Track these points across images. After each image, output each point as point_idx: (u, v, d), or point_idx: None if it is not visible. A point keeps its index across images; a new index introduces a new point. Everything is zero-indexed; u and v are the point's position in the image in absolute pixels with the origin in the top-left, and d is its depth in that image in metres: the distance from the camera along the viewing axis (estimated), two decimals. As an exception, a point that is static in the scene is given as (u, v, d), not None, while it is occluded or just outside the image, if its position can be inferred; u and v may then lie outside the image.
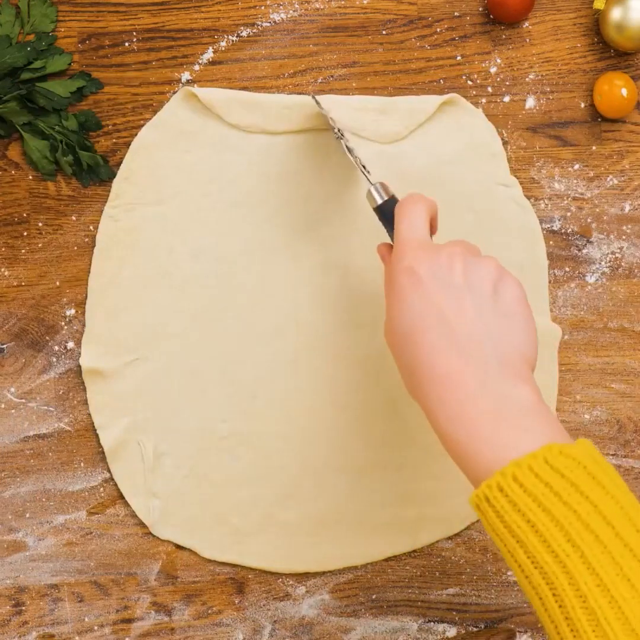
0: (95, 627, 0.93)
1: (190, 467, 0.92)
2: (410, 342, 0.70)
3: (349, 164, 0.92)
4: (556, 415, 0.68)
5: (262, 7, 0.93)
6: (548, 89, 0.94)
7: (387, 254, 0.80)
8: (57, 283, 0.93)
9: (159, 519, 0.92)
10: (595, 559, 0.59)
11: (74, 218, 0.93)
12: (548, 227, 0.94)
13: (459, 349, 0.69)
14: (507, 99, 0.93)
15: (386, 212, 0.81)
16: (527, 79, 0.93)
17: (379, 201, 0.81)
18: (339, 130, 0.87)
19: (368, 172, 0.85)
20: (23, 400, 0.93)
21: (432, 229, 0.79)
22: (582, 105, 0.94)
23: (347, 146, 0.86)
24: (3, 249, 0.93)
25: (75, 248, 0.93)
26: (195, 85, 0.93)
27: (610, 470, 0.63)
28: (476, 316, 0.70)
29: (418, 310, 0.70)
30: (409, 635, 0.93)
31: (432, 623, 0.93)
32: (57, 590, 0.93)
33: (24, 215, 0.93)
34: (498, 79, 0.93)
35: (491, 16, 0.93)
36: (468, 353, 0.68)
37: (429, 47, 0.93)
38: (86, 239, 0.93)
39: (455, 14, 0.94)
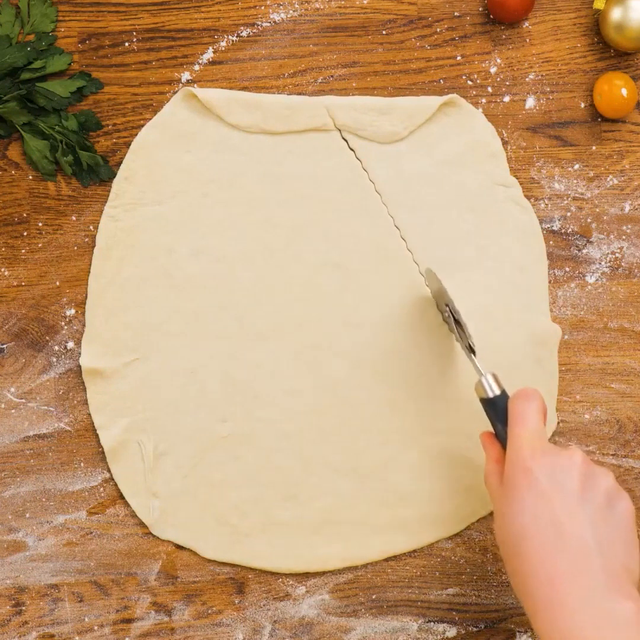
0: (95, 627, 0.93)
1: (190, 467, 0.92)
2: (521, 543, 0.72)
3: (350, 163, 0.92)
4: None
5: (262, 7, 0.93)
6: (548, 89, 0.94)
7: (490, 445, 0.81)
8: (57, 283, 0.93)
9: (159, 519, 0.92)
10: None
11: (74, 218, 0.93)
12: (548, 227, 0.94)
13: (568, 556, 0.70)
14: (507, 99, 0.93)
15: (496, 406, 0.81)
16: (527, 79, 0.93)
17: (491, 395, 0.81)
18: (449, 311, 0.87)
19: (476, 356, 0.85)
20: (23, 400, 0.93)
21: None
22: (582, 105, 0.94)
23: (459, 330, 0.87)
24: (3, 249, 0.93)
25: (75, 248, 0.93)
26: (195, 86, 0.93)
27: None
28: (588, 525, 0.71)
29: (532, 511, 0.72)
30: (409, 635, 0.93)
31: (432, 623, 0.93)
32: (57, 590, 0.93)
33: (24, 215, 0.93)
34: (498, 79, 0.93)
35: (491, 16, 0.93)
36: (576, 562, 0.70)
37: (429, 47, 0.93)
38: (86, 239, 0.93)
39: (455, 14, 0.94)
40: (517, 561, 0.72)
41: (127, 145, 0.93)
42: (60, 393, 0.93)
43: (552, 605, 0.69)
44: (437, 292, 0.89)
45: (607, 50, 0.94)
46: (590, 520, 0.72)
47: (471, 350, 0.85)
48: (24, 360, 0.93)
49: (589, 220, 0.94)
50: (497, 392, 0.82)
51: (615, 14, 0.90)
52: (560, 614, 0.69)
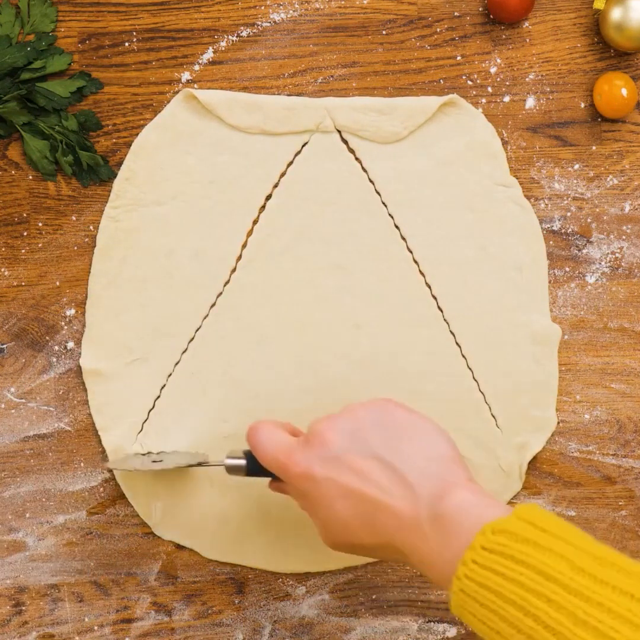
0: (95, 627, 0.93)
1: (192, 468, 0.92)
2: (347, 532, 0.74)
3: (350, 164, 0.92)
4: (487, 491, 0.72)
5: (262, 7, 0.93)
6: (548, 89, 0.94)
7: (281, 489, 0.81)
8: (57, 283, 0.93)
9: (161, 519, 0.92)
10: (549, 618, 0.60)
11: (74, 218, 0.93)
12: (548, 227, 0.94)
13: (377, 505, 0.71)
14: (507, 99, 0.93)
15: (250, 465, 0.81)
16: (527, 79, 0.93)
17: (244, 465, 0.81)
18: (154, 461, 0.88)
19: (209, 463, 0.86)
20: (23, 400, 0.93)
21: (297, 433, 0.81)
22: (582, 105, 0.94)
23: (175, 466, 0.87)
24: (3, 249, 0.93)
25: (75, 248, 0.93)
26: (195, 86, 0.93)
27: (552, 524, 0.64)
28: (373, 464, 0.72)
29: (333, 501, 0.73)
30: (409, 635, 0.93)
31: (432, 623, 0.93)
32: (57, 590, 0.93)
33: (24, 215, 0.93)
34: (498, 79, 0.93)
35: (491, 16, 0.93)
36: (387, 503, 0.71)
37: (429, 47, 0.93)
38: (86, 239, 0.93)
39: (455, 14, 0.93)
40: (360, 545, 0.74)
41: (127, 145, 0.93)
42: (60, 393, 0.93)
43: (408, 544, 0.70)
44: (136, 464, 0.88)
45: (607, 50, 0.94)
46: (371, 457, 0.72)
47: (200, 465, 0.86)
48: (24, 360, 0.93)
49: (589, 220, 0.94)
50: (243, 461, 0.81)
51: (615, 14, 0.90)
52: (412, 544, 0.70)
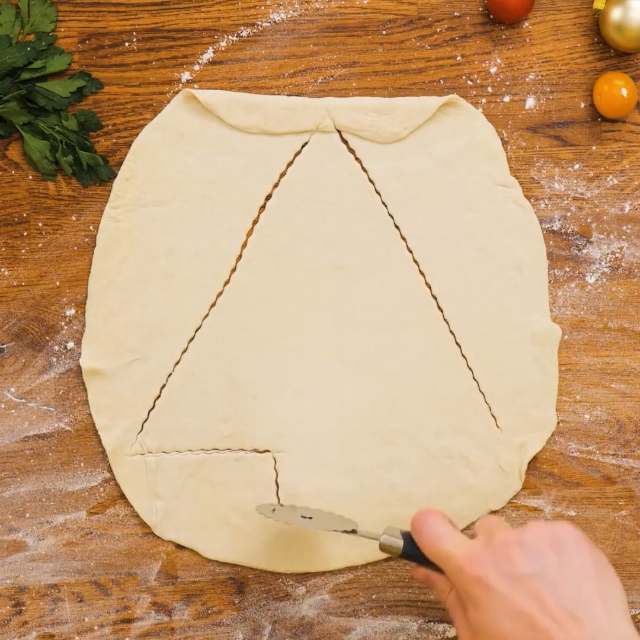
0: (95, 627, 0.93)
1: (192, 468, 0.92)
2: None
3: (350, 164, 0.92)
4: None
5: (262, 7, 0.93)
6: (548, 89, 0.94)
7: (432, 580, 0.79)
8: (57, 283, 0.93)
9: (162, 520, 0.92)
10: None
11: (74, 218, 0.93)
12: (548, 227, 0.94)
13: (545, 638, 0.69)
14: (507, 99, 0.93)
15: (410, 551, 0.78)
16: (527, 79, 0.93)
17: (400, 549, 0.79)
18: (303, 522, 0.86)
19: (358, 533, 0.84)
20: (23, 400, 0.93)
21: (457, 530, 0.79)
22: (582, 105, 0.94)
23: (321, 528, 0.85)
24: (3, 249, 0.93)
25: (75, 248, 0.93)
26: (195, 86, 0.93)
27: None
28: (553, 596, 0.70)
29: (501, 616, 0.70)
30: (409, 635, 0.93)
31: (432, 623, 0.93)
32: (57, 590, 0.93)
33: (24, 215, 0.93)
34: (498, 79, 0.93)
35: (491, 16, 0.93)
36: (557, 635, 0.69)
37: (429, 47, 0.93)
38: (86, 239, 0.93)
39: (455, 14, 0.93)
40: None
41: (127, 145, 0.93)
42: (60, 393, 0.93)
43: None
44: (286, 517, 0.87)
45: (607, 50, 0.94)
46: (551, 586, 0.70)
47: (353, 532, 0.84)
48: (24, 360, 0.93)
49: (589, 220, 0.94)
50: (400, 541, 0.79)
51: (615, 14, 0.90)
52: None
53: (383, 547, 0.80)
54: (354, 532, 0.84)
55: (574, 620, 0.69)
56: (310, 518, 0.86)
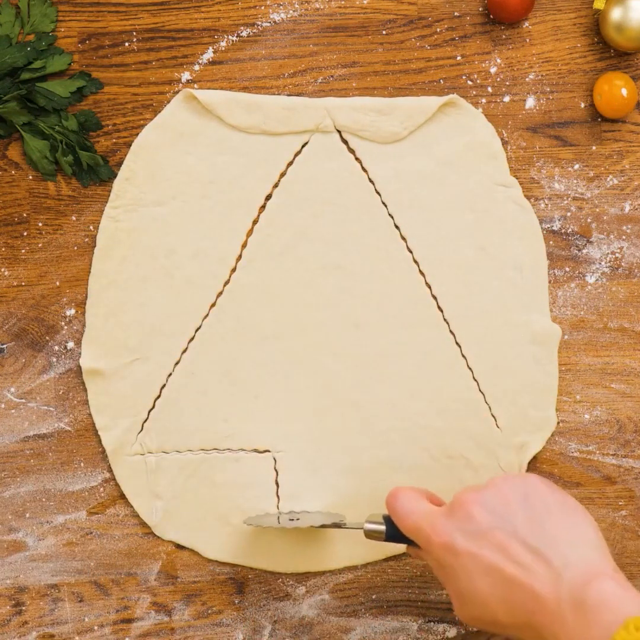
0: (95, 627, 0.93)
1: (192, 468, 0.92)
2: (484, 608, 0.72)
3: (350, 164, 0.92)
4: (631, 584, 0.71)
5: (262, 7, 0.93)
6: (548, 89, 0.94)
7: (420, 556, 0.81)
8: (57, 283, 0.93)
9: (162, 519, 0.92)
10: None
11: (74, 218, 0.93)
12: (548, 227, 0.94)
13: (517, 585, 0.70)
14: (507, 99, 0.93)
15: (391, 531, 0.80)
16: (527, 79, 0.93)
17: (384, 532, 0.81)
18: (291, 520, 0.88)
19: (346, 525, 0.85)
20: (23, 400, 0.93)
21: (438, 502, 0.81)
22: (582, 105, 0.94)
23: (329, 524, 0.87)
24: (3, 249, 0.93)
25: (75, 248, 0.93)
26: (195, 86, 0.93)
27: None
28: (516, 543, 0.71)
29: (474, 576, 0.72)
30: (409, 635, 0.93)
31: (432, 623, 0.93)
32: (57, 590, 0.93)
33: (24, 215, 0.93)
34: (498, 79, 0.93)
35: (491, 16, 0.93)
36: (528, 584, 0.70)
37: (429, 47, 0.93)
38: (86, 239, 0.93)
39: (455, 14, 0.93)
40: (496, 620, 0.73)
41: (127, 145, 0.93)
42: (60, 393, 0.93)
43: (546, 626, 0.69)
44: (274, 522, 0.88)
45: (607, 50, 0.94)
46: (516, 538, 0.71)
47: (341, 525, 0.86)
48: (24, 360, 0.93)
49: (589, 220, 0.94)
50: (383, 526, 0.81)
51: (615, 14, 0.90)
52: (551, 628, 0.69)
53: (368, 534, 0.82)
54: (341, 525, 0.86)
55: (540, 559, 0.70)
56: (297, 519, 0.88)
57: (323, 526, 0.86)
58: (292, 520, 0.88)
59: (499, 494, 0.74)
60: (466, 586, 0.73)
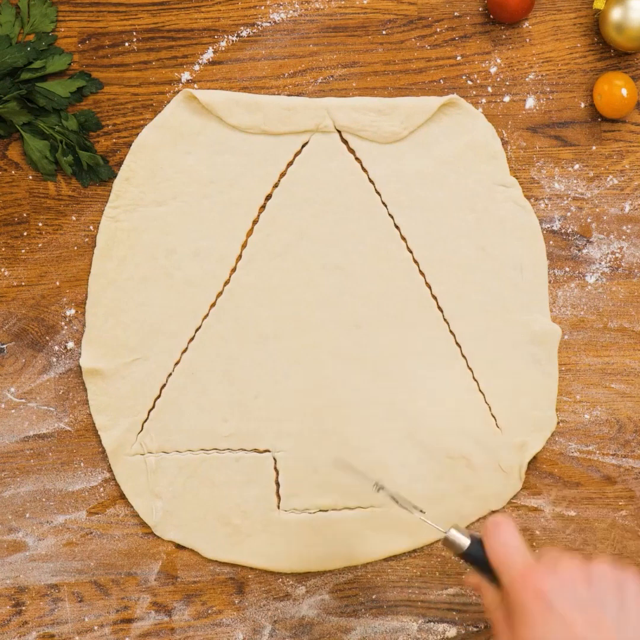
0: (95, 627, 0.93)
1: (192, 468, 0.92)
2: None
3: (350, 164, 0.92)
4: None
5: (262, 7, 0.93)
6: (548, 89, 0.94)
7: (480, 587, 0.78)
8: (57, 283, 0.93)
9: (162, 519, 0.92)
10: None
11: (74, 218, 0.93)
12: (548, 227, 0.94)
13: None
14: (507, 99, 0.93)
15: (473, 553, 0.77)
16: (527, 79, 0.93)
17: (466, 544, 0.77)
18: (376, 485, 0.86)
19: (425, 515, 0.83)
20: (23, 400, 0.93)
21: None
22: (582, 105, 0.94)
23: (392, 496, 0.84)
24: (3, 249, 0.93)
25: (75, 248, 0.93)
26: (195, 86, 0.93)
27: None
28: (613, 626, 0.70)
29: (553, 637, 0.69)
30: (409, 635, 0.93)
31: (432, 623, 0.93)
32: (57, 590, 0.93)
33: (24, 215, 0.93)
34: (498, 79, 0.93)
35: (491, 16, 0.93)
36: None
37: (429, 47, 0.93)
38: (86, 239, 0.93)
39: (455, 14, 0.94)
40: None
41: (127, 145, 0.93)
42: (60, 393, 0.93)
43: None
44: (359, 477, 0.87)
45: (607, 50, 0.94)
46: (613, 621, 0.70)
47: (421, 511, 0.83)
48: (24, 360, 0.93)
49: (589, 220, 0.94)
50: (467, 541, 0.78)
51: (615, 14, 0.90)
52: None
53: (447, 542, 0.78)
54: (421, 516, 0.83)
55: None
56: (382, 488, 0.85)
57: (403, 507, 0.83)
58: (376, 485, 0.85)
59: (604, 578, 0.72)
60: (535, 638, 0.70)
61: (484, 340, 0.92)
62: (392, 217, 0.92)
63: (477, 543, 0.77)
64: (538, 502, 0.93)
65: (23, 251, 0.93)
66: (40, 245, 0.93)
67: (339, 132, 0.92)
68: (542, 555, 0.74)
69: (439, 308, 0.92)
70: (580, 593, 0.70)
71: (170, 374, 0.92)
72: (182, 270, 0.92)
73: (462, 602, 0.93)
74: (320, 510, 0.92)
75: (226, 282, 0.92)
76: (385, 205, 0.92)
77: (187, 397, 0.92)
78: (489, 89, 0.93)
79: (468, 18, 0.94)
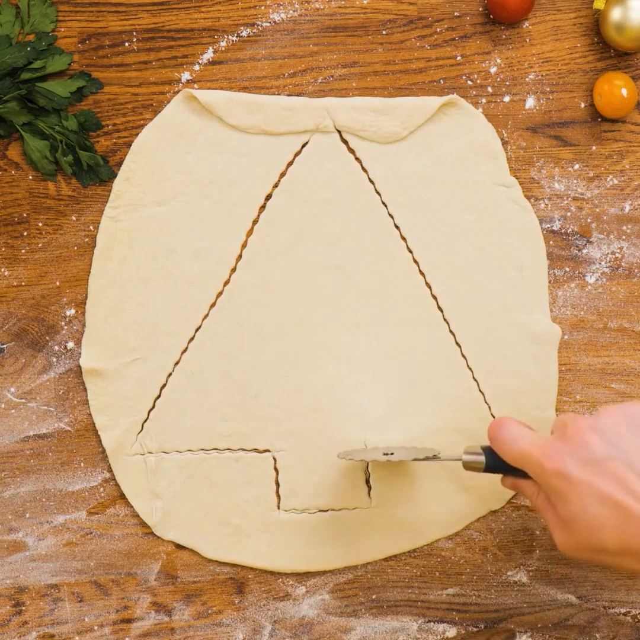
0: (95, 627, 0.93)
1: (192, 468, 0.92)
2: (593, 535, 0.72)
3: (350, 164, 0.92)
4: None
5: (262, 7, 0.93)
6: (548, 89, 0.94)
7: (517, 486, 0.80)
8: (57, 283, 0.93)
9: (162, 520, 0.92)
10: None
11: (74, 218, 0.93)
12: (548, 227, 0.94)
13: (635, 517, 0.70)
14: (507, 99, 0.93)
15: (492, 462, 0.80)
16: (527, 79, 0.93)
17: (483, 460, 0.80)
18: (386, 453, 0.87)
19: (440, 458, 0.85)
20: (23, 400, 0.93)
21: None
22: (582, 105, 0.94)
23: (405, 454, 0.86)
24: (3, 249, 0.93)
25: (75, 248, 0.93)
26: (195, 86, 0.93)
27: None
28: (633, 474, 0.71)
29: (587, 503, 0.72)
30: (409, 635, 0.93)
31: (432, 623, 0.93)
32: (57, 590, 0.93)
33: (24, 215, 0.93)
34: (498, 79, 0.93)
35: (491, 16, 0.93)
36: None
37: (429, 47, 0.93)
38: (86, 239, 0.93)
39: (455, 14, 0.93)
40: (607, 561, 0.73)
41: (127, 145, 0.93)
42: (60, 393, 0.93)
43: None
44: (368, 456, 0.88)
45: (607, 50, 0.94)
46: (631, 464, 0.71)
47: (436, 457, 0.85)
48: (24, 360, 0.93)
49: (589, 220, 0.94)
50: (482, 456, 0.80)
51: (615, 14, 0.90)
52: None
53: (467, 465, 0.81)
54: (436, 457, 0.85)
55: None
56: (391, 454, 0.87)
57: (416, 459, 0.85)
58: (386, 454, 0.87)
59: (614, 423, 0.73)
60: (577, 514, 0.73)
61: (484, 340, 0.92)
62: (392, 217, 0.92)
63: (492, 453, 0.80)
64: (538, 502, 0.93)
65: (23, 251, 0.93)
66: (40, 245, 0.93)
67: (339, 132, 0.92)
68: (553, 429, 0.76)
69: (439, 308, 0.92)
70: (594, 450, 0.72)
71: (170, 374, 0.92)
72: (182, 270, 0.92)
73: (462, 602, 0.93)
74: (320, 510, 0.92)
75: (226, 282, 0.92)
76: (385, 205, 0.92)
77: (187, 397, 0.92)
78: (489, 89, 0.93)
79: (468, 18, 0.94)
